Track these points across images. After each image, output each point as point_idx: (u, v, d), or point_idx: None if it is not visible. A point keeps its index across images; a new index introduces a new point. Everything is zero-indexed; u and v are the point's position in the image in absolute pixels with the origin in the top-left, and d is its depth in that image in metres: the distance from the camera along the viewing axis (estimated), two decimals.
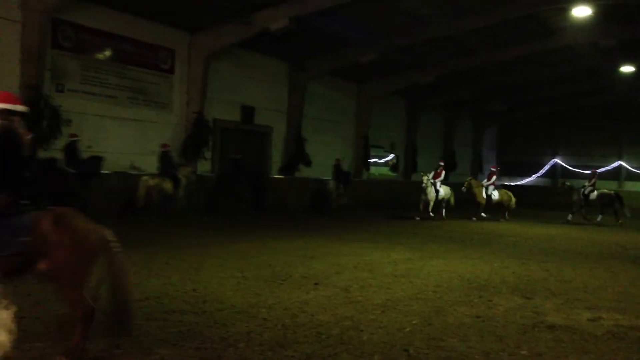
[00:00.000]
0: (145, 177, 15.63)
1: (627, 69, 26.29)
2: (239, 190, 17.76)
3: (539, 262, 10.81)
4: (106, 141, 15.80)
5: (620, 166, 36.65)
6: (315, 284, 7.79)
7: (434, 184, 19.26)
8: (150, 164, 16.15)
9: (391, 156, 29.37)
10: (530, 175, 38.85)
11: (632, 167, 36.22)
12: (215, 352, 4.85)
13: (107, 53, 16.11)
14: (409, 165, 29.66)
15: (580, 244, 14.08)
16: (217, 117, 19.14)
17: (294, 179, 21.51)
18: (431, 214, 19.30)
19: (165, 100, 17.73)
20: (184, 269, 8.44)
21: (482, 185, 20.78)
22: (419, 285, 8.07)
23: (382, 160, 29.58)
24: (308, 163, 22.08)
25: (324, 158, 22.64)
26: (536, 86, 30.59)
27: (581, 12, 18.71)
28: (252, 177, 18.53)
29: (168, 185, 15.88)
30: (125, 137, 16.06)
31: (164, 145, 16.45)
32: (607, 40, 21.77)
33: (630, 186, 33.62)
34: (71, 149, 14.28)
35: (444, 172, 20.18)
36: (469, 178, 21.83)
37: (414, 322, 6.08)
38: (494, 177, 20.85)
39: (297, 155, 21.83)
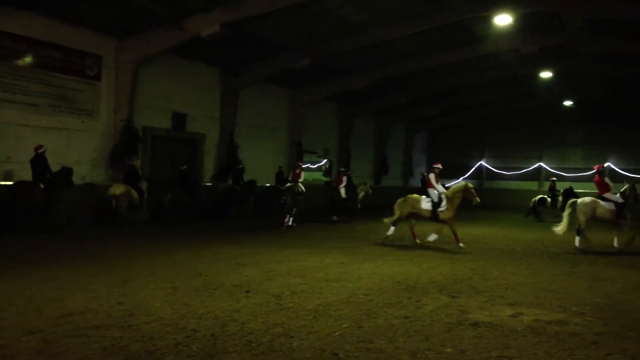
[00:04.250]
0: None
1: (546, 74, 27.57)
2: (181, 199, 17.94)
3: (466, 261, 11.20)
4: (27, 151, 15.09)
5: (540, 167, 38.52)
6: (247, 291, 7.75)
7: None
8: (76, 173, 15.54)
9: (324, 161, 29.59)
10: (458, 178, 40.14)
11: (550, 167, 38.11)
12: None
13: (29, 59, 15.49)
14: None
15: (505, 243, 14.67)
16: (147, 124, 18.75)
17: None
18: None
19: (91, 107, 17.19)
20: (111, 281, 8.21)
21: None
22: (351, 289, 8.17)
23: (315, 166, 29.76)
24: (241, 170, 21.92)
25: (258, 164, 22.61)
26: (465, 91, 31.63)
27: (502, 20, 19.47)
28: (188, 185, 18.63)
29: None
30: (48, 147, 15.41)
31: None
32: (528, 47, 22.79)
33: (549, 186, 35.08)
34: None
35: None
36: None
37: (345, 325, 6.16)
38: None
39: (230, 162, 21.64)
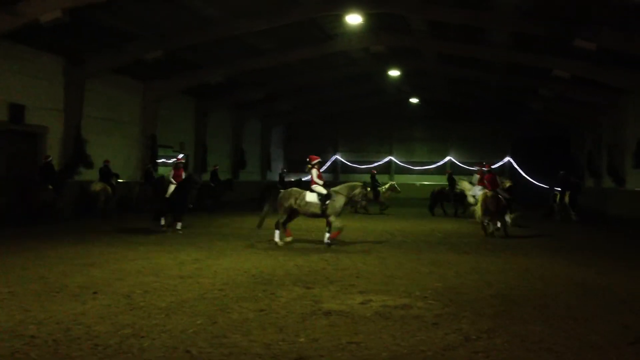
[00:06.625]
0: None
1: (394, 73, 29.12)
2: None
3: (320, 252, 11.54)
4: None
5: (390, 161, 40.76)
6: (94, 292, 7.36)
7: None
8: None
9: (181, 156, 28.82)
10: None
11: (400, 161, 40.53)
12: None
13: None
14: (199, 164, 29.46)
15: (356, 234, 15.26)
16: None
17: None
18: None
19: None
20: None
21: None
22: (206, 284, 8.08)
23: (171, 161, 28.88)
24: (89, 165, 20.68)
25: (109, 159, 21.39)
26: (319, 87, 32.44)
27: (353, 19, 20.23)
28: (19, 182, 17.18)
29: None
30: None
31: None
32: (377, 46, 23.94)
33: (399, 179, 37.27)
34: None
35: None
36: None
37: (199, 322, 6.08)
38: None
39: (76, 157, 20.29)
